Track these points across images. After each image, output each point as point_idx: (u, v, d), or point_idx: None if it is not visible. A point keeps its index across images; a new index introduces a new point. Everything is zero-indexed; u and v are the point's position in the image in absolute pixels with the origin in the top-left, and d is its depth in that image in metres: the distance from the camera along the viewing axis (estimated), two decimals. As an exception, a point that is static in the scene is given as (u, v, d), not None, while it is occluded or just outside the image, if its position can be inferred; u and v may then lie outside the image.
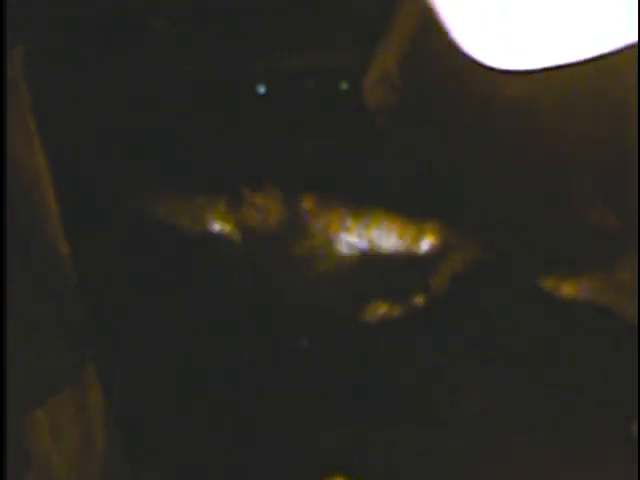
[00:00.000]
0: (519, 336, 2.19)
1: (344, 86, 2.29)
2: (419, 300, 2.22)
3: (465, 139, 2.22)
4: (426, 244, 2.22)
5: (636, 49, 1.72)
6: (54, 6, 2.04)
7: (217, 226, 2.25)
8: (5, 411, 1.63)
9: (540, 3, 1.32)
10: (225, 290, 2.21)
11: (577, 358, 2.14)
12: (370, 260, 2.23)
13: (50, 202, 1.80)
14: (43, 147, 1.78)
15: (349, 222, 2.23)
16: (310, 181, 2.21)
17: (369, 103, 2.23)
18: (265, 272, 2.23)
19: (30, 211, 1.75)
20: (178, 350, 2.16)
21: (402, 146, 2.21)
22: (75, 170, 2.07)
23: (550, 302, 2.19)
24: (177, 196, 2.24)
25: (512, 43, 1.32)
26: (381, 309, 2.23)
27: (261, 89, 2.46)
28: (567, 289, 2.20)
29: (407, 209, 2.21)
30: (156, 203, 2.22)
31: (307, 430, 2.17)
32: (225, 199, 2.20)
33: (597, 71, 2.01)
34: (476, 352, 2.19)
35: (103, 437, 1.96)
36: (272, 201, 2.18)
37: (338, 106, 2.24)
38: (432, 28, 2.09)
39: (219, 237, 2.24)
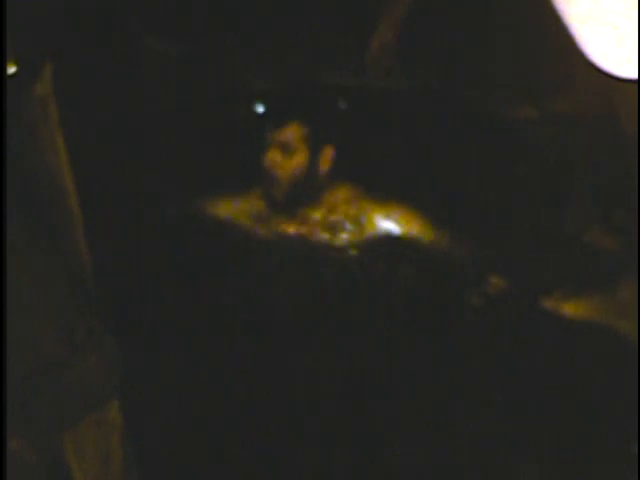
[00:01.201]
0: (519, 355, 2.22)
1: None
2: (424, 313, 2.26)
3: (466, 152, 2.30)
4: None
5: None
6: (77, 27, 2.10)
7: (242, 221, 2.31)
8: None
9: None
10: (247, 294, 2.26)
11: (578, 376, 2.18)
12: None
13: (74, 206, 1.82)
14: (68, 153, 1.82)
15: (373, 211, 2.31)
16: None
17: (373, 73, 2.31)
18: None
19: (58, 216, 1.77)
20: (195, 372, 2.18)
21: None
22: (96, 176, 2.11)
23: (551, 322, 2.23)
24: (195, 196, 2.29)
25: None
26: None
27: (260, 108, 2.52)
28: (568, 309, 2.23)
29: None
30: (175, 204, 2.27)
31: (306, 444, 2.19)
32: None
33: (604, 104, 2.09)
34: (476, 370, 2.22)
35: (121, 456, 1.96)
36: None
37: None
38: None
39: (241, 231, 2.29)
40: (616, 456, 2.12)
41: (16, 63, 1.73)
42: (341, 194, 2.31)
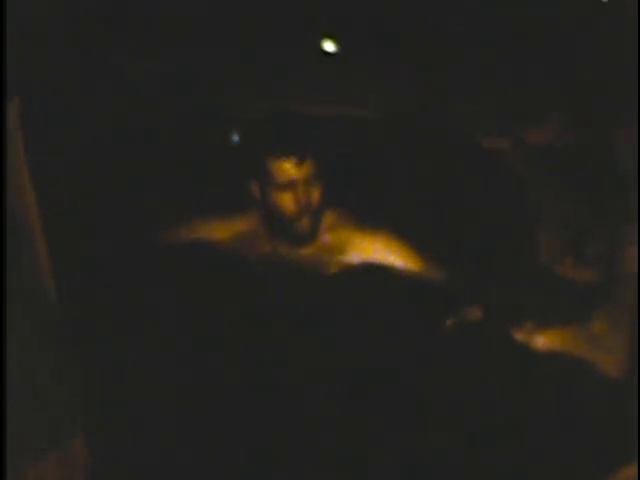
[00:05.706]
0: (490, 385, 2.22)
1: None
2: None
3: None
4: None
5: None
6: (45, 59, 2.11)
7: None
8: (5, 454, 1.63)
9: None
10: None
11: (548, 408, 2.17)
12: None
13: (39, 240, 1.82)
14: (33, 186, 1.83)
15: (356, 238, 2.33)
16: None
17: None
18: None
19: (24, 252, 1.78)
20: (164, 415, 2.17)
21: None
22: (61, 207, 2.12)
23: (522, 353, 2.23)
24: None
25: None
26: None
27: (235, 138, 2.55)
28: (540, 341, 2.23)
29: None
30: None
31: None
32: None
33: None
34: (442, 400, 2.22)
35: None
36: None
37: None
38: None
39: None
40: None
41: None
42: (325, 221, 2.33)
